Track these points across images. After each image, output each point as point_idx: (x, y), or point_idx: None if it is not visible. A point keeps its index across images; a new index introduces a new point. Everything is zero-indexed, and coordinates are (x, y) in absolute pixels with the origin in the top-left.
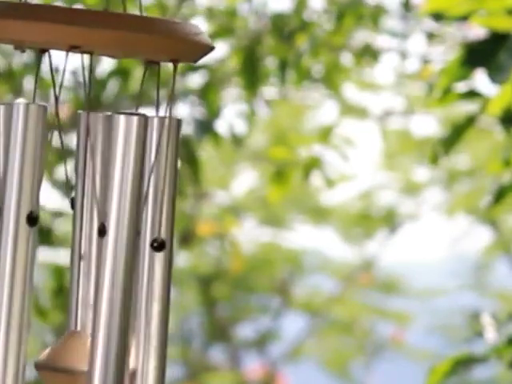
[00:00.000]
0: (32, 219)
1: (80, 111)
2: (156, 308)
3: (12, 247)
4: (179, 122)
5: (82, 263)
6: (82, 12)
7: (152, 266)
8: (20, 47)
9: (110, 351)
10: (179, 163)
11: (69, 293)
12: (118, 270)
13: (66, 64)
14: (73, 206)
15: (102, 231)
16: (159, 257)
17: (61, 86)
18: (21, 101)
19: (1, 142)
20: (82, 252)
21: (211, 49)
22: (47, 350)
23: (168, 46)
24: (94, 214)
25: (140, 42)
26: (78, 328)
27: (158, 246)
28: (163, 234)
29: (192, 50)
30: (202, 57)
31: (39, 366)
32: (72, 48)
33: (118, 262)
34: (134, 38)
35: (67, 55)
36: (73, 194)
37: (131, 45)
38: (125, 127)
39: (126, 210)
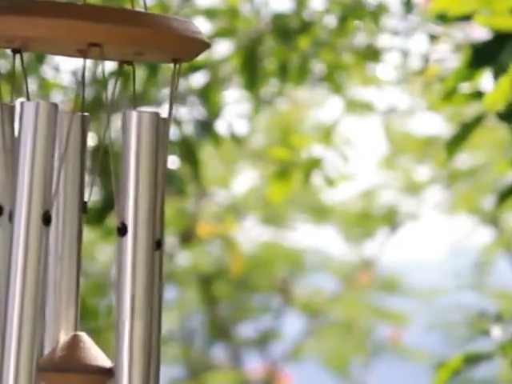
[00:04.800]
0: (47, 218)
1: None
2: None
3: (25, 246)
4: (166, 121)
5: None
6: (97, 8)
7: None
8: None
9: (135, 352)
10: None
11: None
12: (137, 269)
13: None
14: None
15: (122, 230)
16: (155, 255)
17: (82, 84)
18: (28, 100)
19: (17, 141)
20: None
21: (208, 47)
22: (50, 352)
23: (175, 44)
24: (72, 214)
25: (152, 40)
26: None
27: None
28: (158, 234)
29: (193, 49)
30: (198, 55)
31: (42, 368)
32: (91, 46)
33: (138, 261)
34: (148, 34)
35: (86, 54)
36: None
37: (139, 41)
38: (137, 124)
39: (144, 210)
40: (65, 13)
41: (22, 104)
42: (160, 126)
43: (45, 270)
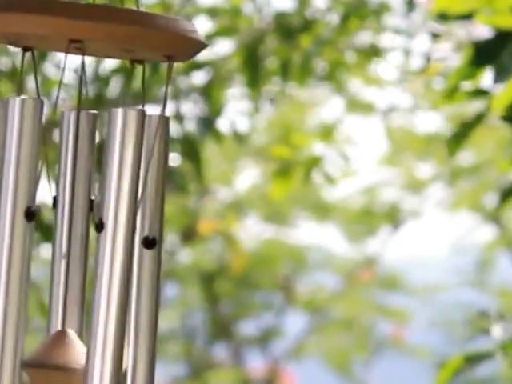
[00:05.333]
0: (30, 214)
1: (65, 111)
2: (145, 305)
3: (9, 242)
4: (167, 120)
5: (63, 261)
6: (81, 6)
7: (142, 263)
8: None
9: (107, 350)
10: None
11: (50, 291)
12: (115, 266)
13: (66, 61)
14: (55, 204)
15: (100, 226)
16: (150, 254)
17: (60, 83)
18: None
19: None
20: (64, 250)
21: (204, 46)
22: (36, 349)
23: (163, 42)
24: (79, 212)
25: (137, 37)
26: (62, 326)
27: (149, 243)
28: (154, 232)
29: (186, 47)
30: (195, 54)
31: (27, 364)
32: (72, 42)
33: (116, 257)
34: (130, 31)
35: (67, 50)
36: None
37: (127, 39)
38: (123, 121)
39: (123, 206)
40: (46, 9)
41: (7, 100)
42: (148, 123)
43: (29, 266)
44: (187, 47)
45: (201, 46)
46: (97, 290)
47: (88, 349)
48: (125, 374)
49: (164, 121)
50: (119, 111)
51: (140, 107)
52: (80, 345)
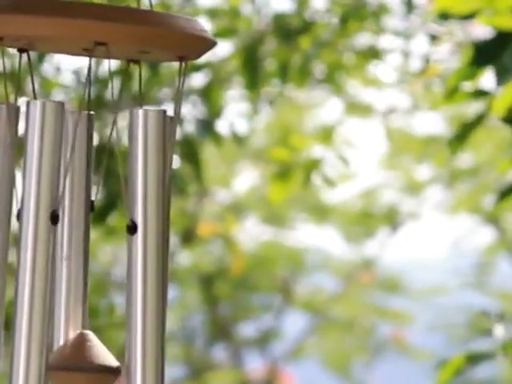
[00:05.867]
0: (55, 217)
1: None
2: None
3: (33, 245)
4: (173, 120)
5: (65, 263)
6: (103, 7)
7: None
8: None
9: (147, 352)
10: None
11: (52, 293)
12: (150, 268)
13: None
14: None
15: (133, 229)
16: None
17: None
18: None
19: (25, 141)
20: (66, 253)
21: (214, 45)
22: (56, 351)
23: (181, 42)
24: (80, 212)
25: (158, 38)
26: (65, 328)
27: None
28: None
29: (199, 47)
30: (204, 53)
31: (50, 367)
32: (97, 44)
33: (150, 259)
34: (153, 32)
35: (92, 53)
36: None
37: (146, 40)
38: (144, 121)
39: (154, 207)
40: (70, 12)
41: (28, 103)
42: (166, 123)
43: (53, 268)
44: (199, 47)
45: (211, 44)
46: (132, 293)
47: (127, 354)
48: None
49: (169, 120)
50: (140, 112)
51: (142, 107)
52: (100, 345)
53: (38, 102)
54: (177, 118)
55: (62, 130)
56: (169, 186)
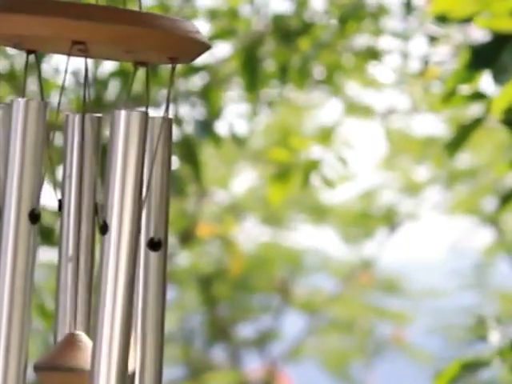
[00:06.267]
0: (34, 216)
1: (69, 113)
2: (152, 307)
3: (13, 244)
4: (170, 122)
5: (69, 264)
6: (83, 6)
7: (148, 265)
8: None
9: (113, 351)
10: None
11: (56, 295)
12: (120, 268)
13: (68, 62)
14: (60, 207)
15: (104, 228)
16: (155, 256)
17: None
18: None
19: (2, 139)
20: (71, 253)
21: (208, 48)
22: (47, 352)
23: (168, 43)
24: (84, 214)
25: (141, 38)
26: (69, 329)
27: (154, 245)
28: (159, 234)
29: (191, 49)
30: (198, 56)
31: (40, 367)
32: (75, 43)
33: (120, 259)
34: (132, 32)
35: (70, 52)
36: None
37: (129, 40)
38: (126, 123)
39: (128, 208)
40: (48, 10)
41: (11, 102)
42: (150, 125)
43: (33, 268)
44: (191, 49)
45: (205, 47)
46: (102, 292)
47: (93, 351)
48: (132, 376)
49: (167, 122)
50: (122, 113)
51: (143, 109)
52: (92, 347)
53: (21, 101)
54: (167, 118)
55: (44, 129)
56: (167, 187)
